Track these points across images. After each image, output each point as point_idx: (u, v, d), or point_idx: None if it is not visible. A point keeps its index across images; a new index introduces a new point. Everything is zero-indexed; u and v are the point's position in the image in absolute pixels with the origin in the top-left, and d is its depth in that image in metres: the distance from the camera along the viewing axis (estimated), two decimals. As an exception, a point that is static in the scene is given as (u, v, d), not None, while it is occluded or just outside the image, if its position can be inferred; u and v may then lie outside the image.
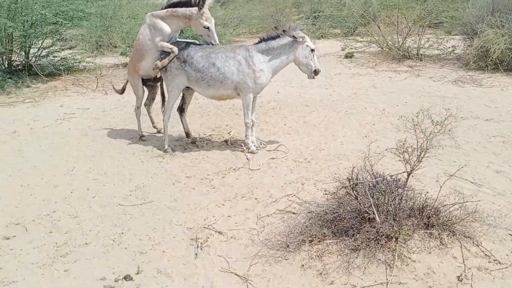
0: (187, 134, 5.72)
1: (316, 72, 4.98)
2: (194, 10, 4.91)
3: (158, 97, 6.05)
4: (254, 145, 5.27)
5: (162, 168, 4.82)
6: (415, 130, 3.00)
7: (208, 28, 4.98)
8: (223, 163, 4.93)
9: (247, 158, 5.02)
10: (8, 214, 3.83)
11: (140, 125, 5.88)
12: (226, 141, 5.66)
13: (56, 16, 8.76)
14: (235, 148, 5.38)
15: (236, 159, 5.03)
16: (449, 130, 3.13)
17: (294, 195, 3.96)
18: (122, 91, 6.39)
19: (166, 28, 5.07)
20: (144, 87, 5.75)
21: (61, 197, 4.14)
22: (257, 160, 4.94)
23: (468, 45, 10.06)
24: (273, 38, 4.98)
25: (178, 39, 5.37)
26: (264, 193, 4.06)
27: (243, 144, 5.36)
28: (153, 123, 6.16)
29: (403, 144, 3.00)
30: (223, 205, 3.91)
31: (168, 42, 5.12)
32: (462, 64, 9.61)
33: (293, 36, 4.84)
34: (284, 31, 4.89)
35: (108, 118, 6.92)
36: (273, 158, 4.97)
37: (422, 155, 3.01)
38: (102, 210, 3.87)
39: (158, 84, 5.86)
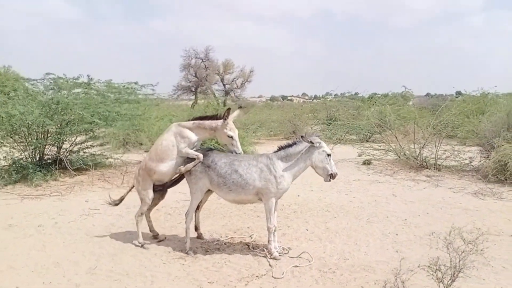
0: (196, 228, 5.83)
1: (332, 176, 5.13)
2: (220, 122, 5.30)
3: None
4: (277, 251, 5.23)
5: (184, 271, 4.76)
6: (448, 249, 3.00)
7: (231, 137, 5.30)
8: (245, 268, 4.85)
9: (270, 265, 4.94)
10: (29, 314, 3.76)
11: (140, 233, 5.61)
12: (247, 244, 5.64)
13: (92, 116, 9.39)
14: (257, 252, 5.33)
15: (258, 265, 4.96)
16: (481, 250, 3.11)
17: (321, 309, 3.82)
18: (119, 202, 6.10)
19: (193, 136, 5.37)
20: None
21: (82, 297, 4.08)
22: (280, 267, 4.85)
23: (485, 157, 10.25)
24: (290, 145, 5.28)
25: (200, 147, 5.65)
26: (289, 304, 3.94)
27: (265, 249, 5.32)
28: (151, 227, 5.97)
29: (436, 262, 2.98)
30: (247, 316, 3.78)
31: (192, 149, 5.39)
32: (480, 176, 9.71)
33: (311, 142, 5.11)
34: (302, 137, 5.18)
35: (131, 216, 6.97)
36: (297, 266, 4.88)
37: (456, 275, 2.96)
38: (123, 315, 3.77)
39: (164, 191, 5.86)
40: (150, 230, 5.95)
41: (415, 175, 10.48)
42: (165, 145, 5.39)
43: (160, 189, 5.73)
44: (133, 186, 5.86)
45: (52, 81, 10.12)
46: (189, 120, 5.58)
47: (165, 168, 5.40)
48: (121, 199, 6.10)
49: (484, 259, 4.58)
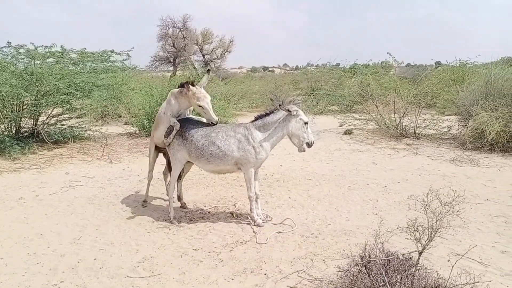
0: (179, 198, 5.99)
1: (308, 145, 5.17)
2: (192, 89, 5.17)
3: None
4: (260, 218, 5.31)
5: (169, 240, 4.81)
6: (426, 210, 3.10)
7: (201, 106, 5.19)
8: (229, 235, 4.93)
9: (254, 231, 5.03)
10: (15, 283, 3.76)
11: (148, 190, 6.12)
12: (231, 213, 5.70)
13: (68, 87, 9.15)
14: (241, 220, 5.41)
15: (242, 232, 5.04)
16: (458, 211, 3.23)
17: (304, 271, 3.94)
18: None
19: (175, 105, 5.38)
20: (164, 156, 5.96)
21: (68, 266, 4.09)
22: (264, 234, 4.95)
23: (463, 126, 10.49)
24: (268, 114, 5.25)
25: (188, 116, 5.64)
26: (273, 268, 4.04)
27: (248, 217, 5.39)
28: (180, 195, 6.12)
29: (414, 223, 3.08)
30: (232, 280, 3.86)
31: (176, 117, 5.39)
32: (458, 143, 9.97)
33: (288, 110, 5.09)
34: (279, 105, 5.14)
35: (114, 187, 6.99)
36: (280, 232, 4.99)
37: (433, 235, 3.08)
38: (110, 282, 3.80)
39: None
40: (178, 196, 6.06)
41: (395, 143, 10.67)
42: (160, 112, 5.54)
43: (165, 152, 5.89)
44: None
45: (24, 51, 9.74)
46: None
47: (159, 133, 5.49)
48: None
49: (461, 221, 4.76)
